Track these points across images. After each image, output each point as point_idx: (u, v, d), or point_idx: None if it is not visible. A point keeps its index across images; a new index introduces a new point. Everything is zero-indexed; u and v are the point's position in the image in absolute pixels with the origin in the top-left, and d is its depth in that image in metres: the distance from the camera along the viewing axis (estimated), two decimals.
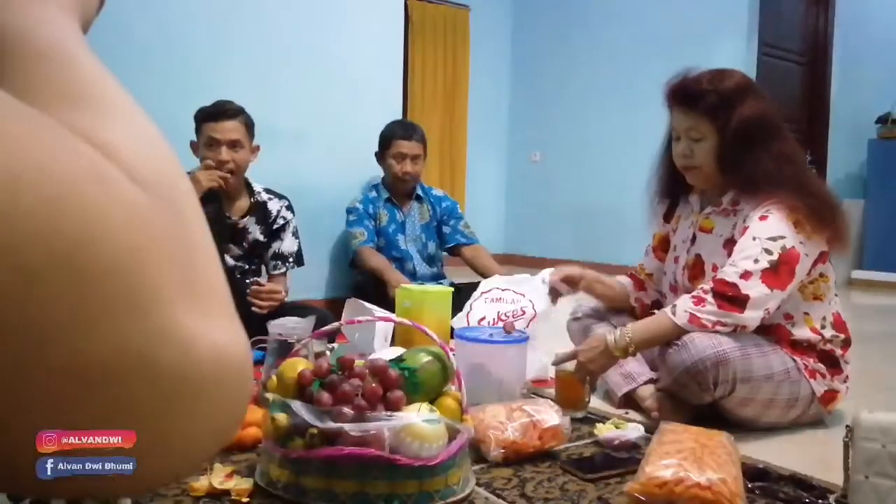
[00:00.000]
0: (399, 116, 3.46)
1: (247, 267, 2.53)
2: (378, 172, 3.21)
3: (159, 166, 0.29)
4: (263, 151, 2.93)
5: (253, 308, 2.31)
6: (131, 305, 0.24)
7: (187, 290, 0.26)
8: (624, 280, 2.00)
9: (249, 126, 2.44)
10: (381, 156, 3.11)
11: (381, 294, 2.61)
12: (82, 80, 0.32)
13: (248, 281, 2.47)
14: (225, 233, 2.44)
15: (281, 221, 2.57)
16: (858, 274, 5.13)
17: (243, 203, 2.51)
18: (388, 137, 3.06)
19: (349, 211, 3.09)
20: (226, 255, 2.47)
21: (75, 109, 0.30)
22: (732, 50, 4.69)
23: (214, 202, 2.37)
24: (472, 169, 6.09)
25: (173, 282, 0.25)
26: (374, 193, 3.13)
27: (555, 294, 2.00)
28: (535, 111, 6.09)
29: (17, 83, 0.31)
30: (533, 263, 5.23)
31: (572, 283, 1.97)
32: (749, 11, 4.74)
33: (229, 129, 2.37)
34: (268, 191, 2.58)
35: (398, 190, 3.12)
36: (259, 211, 2.53)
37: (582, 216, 5.61)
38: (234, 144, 2.38)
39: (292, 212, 2.62)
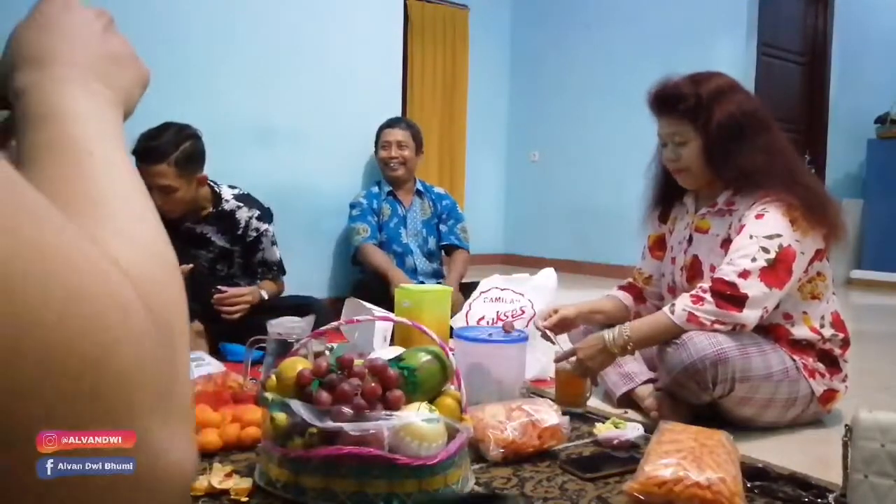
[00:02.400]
0: (398, 116, 3.47)
1: (226, 270, 2.49)
2: (379, 174, 3.24)
3: (163, 291, 0.32)
4: (263, 151, 2.90)
5: (222, 315, 2.25)
6: (114, 419, 0.26)
7: (164, 407, 0.29)
8: (620, 294, 1.96)
9: (185, 161, 2.17)
10: (375, 152, 3.21)
11: (383, 292, 2.61)
12: (104, 190, 0.35)
13: (235, 281, 2.47)
14: (184, 239, 2.34)
15: (254, 233, 2.44)
16: (857, 274, 5.13)
17: (205, 212, 2.39)
18: (378, 130, 3.19)
19: (352, 206, 3.11)
20: (199, 260, 2.40)
21: (90, 217, 0.33)
22: (731, 50, 4.69)
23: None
24: (472, 168, 6.08)
25: (155, 403, 0.28)
26: (376, 188, 3.18)
27: (548, 338, 1.85)
28: (534, 111, 6.09)
29: (44, 174, 0.34)
30: (532, 263, 5.24)
31: (567, 326, 1.87)
32: (748, 11, 4.74)
33: (156, 174, 2.13)
34: (240, 197, 2.44)
35: (394, 180, 3.14)
36: (222, 220, 2.41)
37: (581, 215, 5.60)
38: (163, 190, 2.15)
39: (266, 221, 2.46)
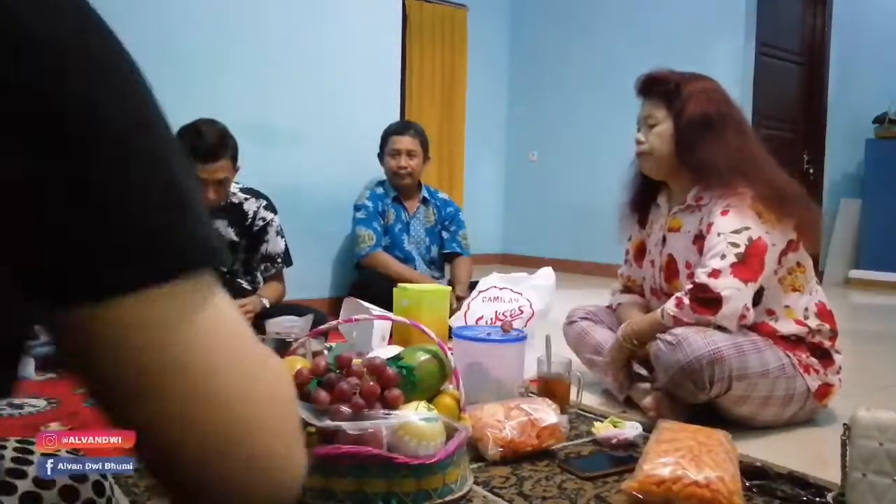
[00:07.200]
0: (397, 116, 3.46)
1: (229, 266, 2.47)
2: (378, 173, 3.22)
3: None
4: (262, 151, 2.91)
5: None
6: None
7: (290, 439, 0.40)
8: (632, 297, 1.96)
9: (235, 151, 2.31)
10: (381, 156, 3.15)
11: (384, 292, 2.60)
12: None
13: (237, 280, 2.46)
14: None
15: (261, 223, 2.50)
16: (856, 273, 5.13)
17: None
18: (385, 135, 3.12)
19: (357, 207, 3.07)
20: None
21: None
22: (730, 49, 4.69)
23: None
24: (470, 168, 6.09)
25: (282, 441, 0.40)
26: (380, 190, 3.14)
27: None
28: (533, 111, 6.09)
29: None
30: (531, 263, 5.23)
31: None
32: (747, 11, 4.74)
33: (218, 169, 2.25)
34: (246, 190, 2.51)
35: (400, 188, 3.12)
36: (230, 212, 2.45)
37: (579, 215, 5.60)
38: (221, 183, 2.28)
39: (273, 211, 2.54)
